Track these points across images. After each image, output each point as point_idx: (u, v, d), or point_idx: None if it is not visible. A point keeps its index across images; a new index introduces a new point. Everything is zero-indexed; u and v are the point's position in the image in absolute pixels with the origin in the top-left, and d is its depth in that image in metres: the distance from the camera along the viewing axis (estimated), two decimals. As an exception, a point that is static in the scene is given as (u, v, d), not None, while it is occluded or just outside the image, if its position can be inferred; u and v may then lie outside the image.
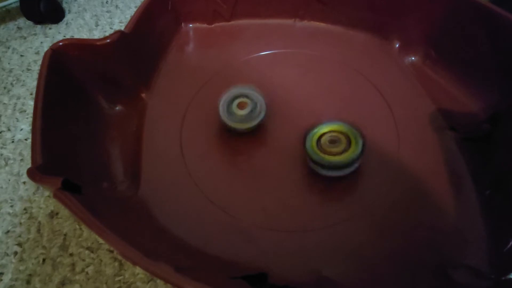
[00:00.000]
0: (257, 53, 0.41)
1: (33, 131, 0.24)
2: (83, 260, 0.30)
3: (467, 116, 0.34)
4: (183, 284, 0.17)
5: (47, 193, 0.34)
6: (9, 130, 0.40)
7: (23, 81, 0.46)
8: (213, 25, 0.43)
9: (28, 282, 0.29)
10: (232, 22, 0.43)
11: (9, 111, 0.42)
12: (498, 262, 0.25)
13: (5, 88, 0.45)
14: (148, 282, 0.28)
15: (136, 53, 0.35)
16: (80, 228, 0.32)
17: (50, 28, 0.53)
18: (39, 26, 0.54)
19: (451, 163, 0.31)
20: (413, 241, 0.27)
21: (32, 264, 0.30)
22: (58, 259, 0.30)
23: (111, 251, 0.30)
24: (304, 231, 0.28)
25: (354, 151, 0.28)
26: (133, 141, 0.33)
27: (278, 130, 0.34)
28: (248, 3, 0.42)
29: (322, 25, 0.43)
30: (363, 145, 0.28)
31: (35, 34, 0.52)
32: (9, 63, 0.48)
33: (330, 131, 0.30)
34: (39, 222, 0.32)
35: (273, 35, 0.42)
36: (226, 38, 0.42)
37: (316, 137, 0.29)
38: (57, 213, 0.33)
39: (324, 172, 0.29)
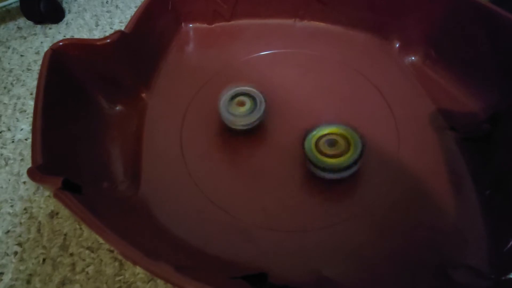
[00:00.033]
0: (257, 53, 0.41)
1: (33, 131, 0.24)
2: (83, 260, 0.30)
3: (467, 116, 0.34)
4: (183, 283, 0.17)
5: (47, 193, 0.34)
6: (9, 130, 0.40)
7: (23, 81, 0.46)
8: (213, 25, 0.43)
9: (28, 282, 0.29)
10: (232, 22, 0.43)
11: (9, 111, 0.42)
12: (498, 262, 0.25)
13: (5, 88, 0.45)
14: (148, 282, 0.28)
15: (136, 53, 0.35)
16: (80, 228, 0.32)
17: (50, 28, 0.53)
18: (39, 26, 0.54)
19: (451, 163, 0.31)
20: (413, 241, 0.27)
21: (32, 264, 0.30)
22: (58, 259, 0.30)
23: (111, 251, 0.30)
24: (304, 231, 0.28)
25: (352, 154, 0.28)
26: (133, 141, 0.33)
27: (278, 130, 0.34)
28: (248, 3, 0.42)
29: (322, 25, 0.43)
30: (362, 149, 0.28)
31: (35, 34, 0.52)
32: (9, 63, 0.48)
33: (329, 133, 0.29)
34: (39, 222, 0.32)
35: (273, 35, 0.42)
36: (226, 38, 0.42)
37: (315, 139, 0.29)
38: (57, 213, 0.33)
39: (322, 174, 0.29)
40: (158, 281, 0.29)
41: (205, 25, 0.43)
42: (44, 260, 0.30)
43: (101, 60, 0.32)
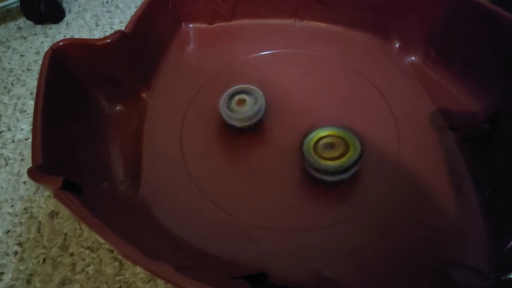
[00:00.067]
0: (257, 53, 0.41)
1: (34, 131, 0.24)
2: (84, 259, 0.30)
3: (467, 116, 0.34)
4: (183, 283, 0.17)
5: (47, 193, 0.34)
6: (9, 130, 0.40)
7: (24, 81, 0.46)
8: (213, 25, 0.43)
9: (28, 281, 0.29)
10: (232, 22, 0.43)
11: (10, 111, 0.42)
12: (498, 262, 0.25)
13: (5, 88, 0.45)
14: (149, 281, 0.29)
15: (136, 53, 0.35)
16: (81, 228, 0.32)
17: (50, 28, 0.53)
18: (39, 26, 0.54)
19: (451, 163, 0.31)
20: (413, 241, 0.27)
21: (33, 263, 0.30)
22: (59, 259, 0.30)
23: (112, 251, 0.30)
24: (304, 231, 0.28)
25: (351, 157, 0.28)
26: (133, 141, 0.33)
27: (278, 130, 0.34)
28: (248, 3, 0.42)
29: (322, 25, 0.43)
30: (361, 151, 0.28)
31: (35, 34, 0.52)
32: (9, 63, 0.48)
33: (327, 136, 0.29)
34: (40, 222, 0.32)
35: (273, 35, 0.42)
36: (226, 38, 0.42)
37: (313, 141, 0.29)
38: (57, 213, 0.33)
39: (321, 177, 0.28)
40: (158, 281, 0.29)
41: (205, 25, 0.43)
42: (44, 260, 0.30)
43: (101, 60, 0.32)
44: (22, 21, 0.54)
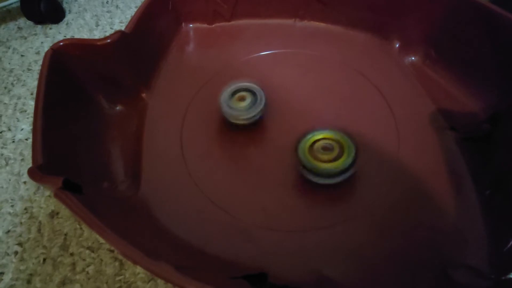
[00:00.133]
0: (257, 53, 0.41)
1: (34, 131, 0.24)
2: (84, 259, 0.30)
3: (467, 116, 0.34)
4: (183, 283, 0.17)
5: (47, 192, 0.34)
6: (9, 130, 0.40)
7: (24, 81, 0.46)
8: (213, 25, 0.43)
9: (28, 281, 0.29)
10: (232, 22, 0.43)
11: (10, 111, 0.42)
12: (498, 262, 0.25)
13: (5, 88, 0.45)
14: (149, 281, 0.29)
15: (136, 53, 0.35)
16: (81, 228, 0.32)
17: (50, 28, 0.53)
18: (39, 26, 0.54)
19: (451, 163, 0.31)
20: (413, 241, 0.27)
21: (33, 263, 0.30)
22: (59, 259, 0.30)
23: (112, 251, 0.30)
24: (304, 231, 0.28)
25: (346, 159, 0.28)
26: (133, 141, 0.33)
27: (278, 130, 0.34)
28: (248, 3, 0.42)
29: (322, 25, 0.43)
30: (356, 154, 0.28)
31: (35, 34, 0.52)
32: (9, 63, 0.48)
33: (323, 138, 0.29)
34: (40, 222, 0.32)
35: (273, 35, 0.42)
36: (226, 38, 0.42)
37: (309, 143, 0.29)
38: (57, 213, 0.33)
39: (316, 179, 0.28)
40: (159, 281, 0.29)
41: (205, 25, 0.43)
42: (44, 260, 0.30)
43: (102, 60, 0.32)
44: (22, 21, 0.54)
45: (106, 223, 0.19)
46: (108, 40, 0.31)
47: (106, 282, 0.29)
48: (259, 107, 0.32)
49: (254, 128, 0.34)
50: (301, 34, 0.42)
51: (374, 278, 0.26)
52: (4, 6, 0.55)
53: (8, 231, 0.32)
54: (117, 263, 0.30)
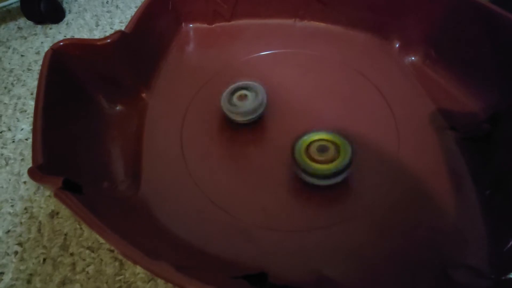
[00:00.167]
0: (257, 53, 0.41)
1: (34, 130, 0.24)
2: (84, 259, 0.30)
3: (467, 116, 0.34)
4: (184, 283, 0.17)
5: (47, 192, 0.34)
6: (9, 130, 0.40)
7: (24, 81, 0.46)
8: (213, 25, 0.43)
9: (28, 281, 0.29)
10: (232, 22, 0.43)
11: (10, 111, 0.42)
12: (498, 262, 0.25)
13: (5, 88, 0.45)
14: (149, 281, 0.29)
15: (136, 53, 0.35)
16: (81, 228, 0.32)
17: (50, 28, 0.53)
18: (39, 26, 0.54)
19: (451, 163, 0.31)
20: (413, 241, 0.27)
21: (33, 263, 0.30)
22: (59, 259, 0.30)
23: (112, 251, 0.30)
24: (304, 231, 0.28)
25: (341, 161, 0.28)
26: (133, 141, 0.33)
27: (279, 130, 0.34)
28: (248, 3, 0.42)
29: (322, 25, 0.43)
30: (351, 156, 0.28)
31: (35, 34, 0.52)
32: (9, 63, 0.48)
33: (319, 140, 0.29)
34: (40, 222, 0.32)
35: (273, 35, 0.42)
36: (226, 38, 0.42)
37: (305, 144, 0.29)
38: (57, 213, 0.33)
39: (310, 180, 0.28)
40: (159, 280, 0.29)
41: (205, 25, 0.43)
42: (44, 260, 0.30)
43: (102, 60, 0.32)
44: (22, 21, 0.54)
45: (106, 223, 0.19)
46: (108, 40, 0.31)
47: (106, 282, 0.29)
48: (260, 105, 0.32)
49: (254, 128, 0.34)
50: (301, 34, 0.42)
51: (374, 278, 0.26)
52: (4, 6, 0.55)
53: (8, 231, 0.32)
54: (117, 263, 0.30)
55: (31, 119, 0.41)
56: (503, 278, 0.25)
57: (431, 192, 0.29)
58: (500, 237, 0.26)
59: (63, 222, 0.32)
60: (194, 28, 0.43)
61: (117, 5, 0.57)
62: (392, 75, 0.38)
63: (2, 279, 0.29)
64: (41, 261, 0.30)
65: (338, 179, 0.28)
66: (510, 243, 0.25)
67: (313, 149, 0.28)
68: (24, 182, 0.35)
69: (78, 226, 0.32)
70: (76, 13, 0.56)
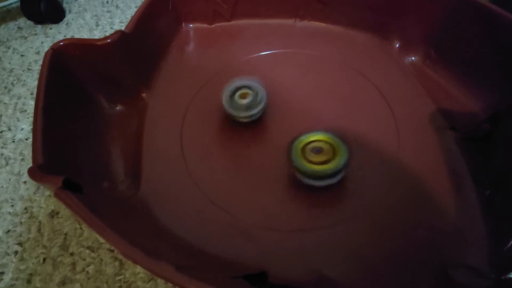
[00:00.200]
0: (257, 53, 0.41)
1: (34, 130, 0.24)
2: (84, 259, 0.30)
3: (467, 116, 0.34)
4: (184, 283, 0.17)
5: (47, 192, 0.34)
6: (9, 129, 0.40)
7: (24, 81, 0.46)
8: (213, 25, 0.43)
9: (28, 281, 0.29)
10: (233, 22, 0.43)
11: (10, 111, 0.42)
12: (498, 262, 0.25)
13: (5, 88, 0.45)
14: (149, 281, 0.29)
15: (136, 53, 0.35)
16: (81, 228, 0.32)
17: (50, 28, 0.53)
18: (39, 26, 0.54)
19: (451, 163, 0.31)
20: (413, 241, 0.27)
21: (33, 263, 0.30)
22: (59, 259, 0.30)
23: (112, 251, 0.30)
24: (304, 231, 0.28)
25: (337, 163, 0.27)
26: (133, 141, 0.33)
27: (279, 130, 0.34)
28: (248, 3, 0.42)
29: (322, 25, 0.43)
30: (347, 158, 0.28)
31: (35, 34, 0.52)
32: (9, 63, 0.48)
33: (315, 140, 0.29)
34: (40, 222, 0.32)
35: (273, 35, 0.42)
36: (226, 38, 0.42)
37: (301, 145, 0.29)
38: (57, 213, 0.33)
39: (307, 181, 0.28)
40: (159, 280, 0.29)
41: (205, 25, 0.43)
42: (44, 259, 0.30)
43: (102, 60, 0.32)
44: (22, 21, 0.54)
45: (106, 223, 0.19)
46: (108, 40, 0.31)
47: (106, 282, 0.29)
48: (261, 104, 0.32)
49: (254, 128, 0.34)
50: (301, 34, 0.42)
51: (374, 278, 0.26)
52: (4, 6, 0.55)
53: (8, 231, 0.32)
54: (117, 263, 0.30)
55: (31, 119, 0.41)
56: (503, 278, 0.25)
57: (431, 192, 0.29)
58: (500, 237, 0.26)
59: (63, 222, 0.32)
60: (194, 28, 0.43)
61: (117, 5, 0.57)
62: (392, 75, 0.38)
63: (2, 279, 0.29)
64: (41, 260, 0.30)
65: (334, 180, 0.28)
66: (510, 243, 0.25)
67: (309, 150, 0.28)
68: (24, 182, 0.35)
69: (78, 226, 0.32)
70: (76, 13, 0.56)
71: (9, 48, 0.50)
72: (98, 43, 0.31)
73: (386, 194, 0.29)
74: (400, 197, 0.29)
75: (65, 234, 0.31)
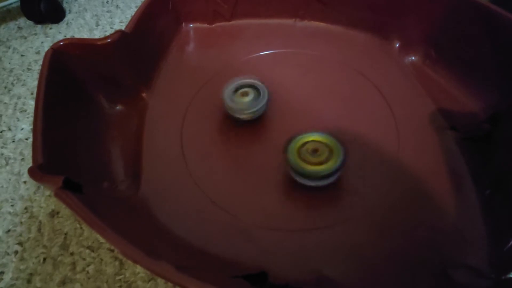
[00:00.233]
0: (257, 53, 0.41)
1: (34, 130, 0.24)
2: (84, 259, 0.30)
3: (467, 116, 0.34)
4: (184, 283, 0.17)
5: (47, 192, 0.34)
6: (9, 129, 0.40)
7: (24, 80, 0.46)
8: (213, 25, 0.43)
9: (28, 281, 0.29)
10: (233, 22, 0.43)
11: (10, 111, 0.42)
12: (498, 262, 0.25)
13: (5, 87, 0.45)
14: (149, 281, 0.29)
15: (136, 53, 0.35)
16: (81, 227, 0.32)
17: (50, 28, 0.53)
18: (39, 26, 0.54)
19: (451, 163, 0.31)
20: (413, 241, 0.27)
21: (33, 263, 0.30)
22: (59, 258, 0.30)
23: (112, 250, 0.30)
24: (304, 231, 0.28)
25: (333, 164, 0.27)
26: (133, 141, 0.33)
27: (278, 130, 0.34)
28: (248, 3, 0.42)
29: (322, 25, 0.43)
30: (344, 157, 0.28)
31: (35, 34, 0.52)
32: (9, 63, 0.48)
33: (312, 141, 0.29)
34: (40, 221, 0.32)
35: (273, 35, 0.42)
36: (226, 38, 0.42)
37: (298, 145, 0.29)
38: (57, 212, 0.33)
39: (304, 181, 0.28)
40: (159, 280, 0.29)
41: (205, 25, 0.43)
42: (44, 259, 0.30)
43: (102, 59, 0.32)
44: (23, 21, 0.54)
45: (106, 222, 0.19)
46: (108, 40, 0.31)
47: (106, 282, 0.29)
48: (262, 103, 0.32)
49: (255, 127, 0.34)
50: (301, 34, 0.42)
51: (374, 278, 0.26)
52: (4, 6, 0.55)
53: (8, 231, 0.32)
54: (117, 263, 0.30)
55: (31, 119, 0.41)
56: (503, 278, 0.25)
57: (431, 192, 0.29)
58: (500, 237, 0.26)
59: (63, 221, 0.32)
60: (194, 28, 0.43)
61: (117, 5, 0.57)
62: (392, 75, 0.38)
63: (3, 279, 0.29)
64: (41, 260, 0.30)
65: (330, 180, 0.28)
66: (510, 243, 0.25)
67: (305, 150, 0.29)
68: (24, 182, 0.35)
69: (78, 225, 0.32)
70: (76, 13, 0.56)
71: (9, 48, 0.50)
72: (98, 43, 0.31)
73: (386, 194, 0.29)
74: (400, 197, 0.29)
75: (65, 234, 0.31)
